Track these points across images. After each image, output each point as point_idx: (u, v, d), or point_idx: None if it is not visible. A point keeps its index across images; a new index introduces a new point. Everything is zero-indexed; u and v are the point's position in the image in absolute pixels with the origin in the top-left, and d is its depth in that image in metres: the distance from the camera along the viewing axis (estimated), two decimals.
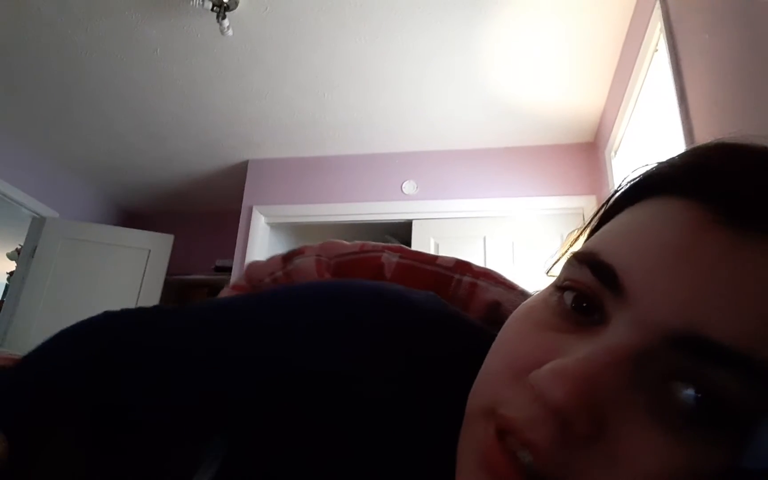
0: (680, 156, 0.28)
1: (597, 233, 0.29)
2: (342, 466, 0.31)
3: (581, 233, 0.34)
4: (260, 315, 0.38)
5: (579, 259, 0.27)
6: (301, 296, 0.39)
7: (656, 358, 0.22)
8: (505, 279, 0.45)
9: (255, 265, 0.53)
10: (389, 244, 0.49)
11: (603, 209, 0.31)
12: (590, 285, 0.26)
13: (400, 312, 0.36)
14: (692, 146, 0.28)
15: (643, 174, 0.29)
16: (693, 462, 0.21)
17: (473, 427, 0.27)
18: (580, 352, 0.24)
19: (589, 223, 0.32)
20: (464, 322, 0.38)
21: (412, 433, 0.33)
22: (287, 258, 0.51)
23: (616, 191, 0.31)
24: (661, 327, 0.22)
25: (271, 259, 0.52)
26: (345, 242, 0.51)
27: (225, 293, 0.53)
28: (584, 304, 0.26)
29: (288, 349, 0.35)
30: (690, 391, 0.21)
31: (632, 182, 0.29)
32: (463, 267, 0.45)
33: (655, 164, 0.29)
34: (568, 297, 0.27)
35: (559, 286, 0.28)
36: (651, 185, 0.28)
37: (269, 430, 0.33)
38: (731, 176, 0.24)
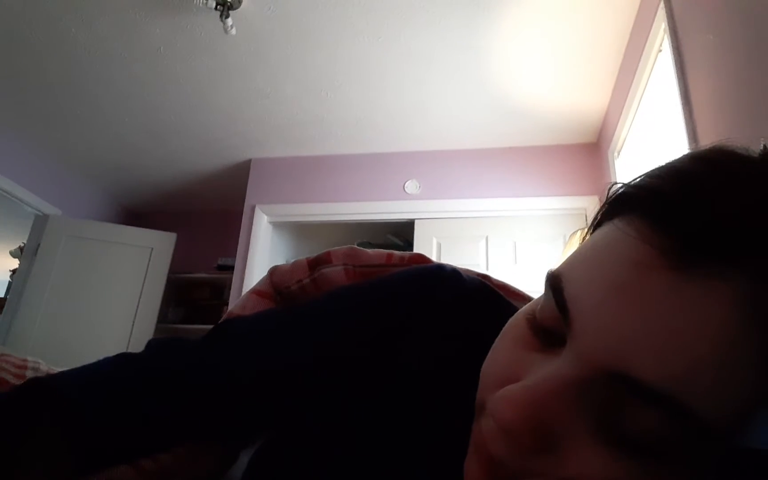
0: (645, 177, 0.29)
1: (574, 251, 0.31)
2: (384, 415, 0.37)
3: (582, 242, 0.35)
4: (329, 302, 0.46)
5: (548, 280, 0.29)
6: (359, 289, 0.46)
7: (596, 389, 0.25)
8: (519, 292, 0.49)
9: (280, 270, 0.55)
10: (414, 254, 0.52)
11: (592, 226, 0.33)
12: (554, 309, 0.28)
13: (452, 288, 0.42)
14: (659, 166, 0.29)
15: (618, 190, 0.30)
16: None
17: (477, 419, 0.31)
18: (532, 377, 0.27)
19: (584, 235, 0.34)
20: (507, 303, 0.44)
21: (448, 396, 0.38)
22: (313, 265, 0.53)
23: (602, 208, 0.32)
24: (597, 364, 0.24)
25: (296, 265, 0.54)
26: (369, 251, 0.53)
27: (248, 298, 0.54)
28: (553, 325, 0.28)
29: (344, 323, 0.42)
30: (628, 419, 0.24)
31: (610, 197, 0.31)
32: (483, 279, 0.49)
33: (628, 182, 0.30)
34: (541, 316, 0.29)
35: (536, 307, 0.30)
36: (621, 204, 0.29)
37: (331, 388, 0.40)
38: (679, 210, 0.25)
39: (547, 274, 0.29)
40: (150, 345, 0.45)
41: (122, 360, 0.43)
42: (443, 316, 0.41)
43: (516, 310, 0.43)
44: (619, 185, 0.30)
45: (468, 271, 0.48)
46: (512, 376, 0.28)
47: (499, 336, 0.33)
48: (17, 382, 0.46)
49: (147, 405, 0.40)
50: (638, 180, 0.29)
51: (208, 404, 0.41)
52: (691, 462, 0.24)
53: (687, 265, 0.23)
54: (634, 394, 0.23)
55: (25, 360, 0.54)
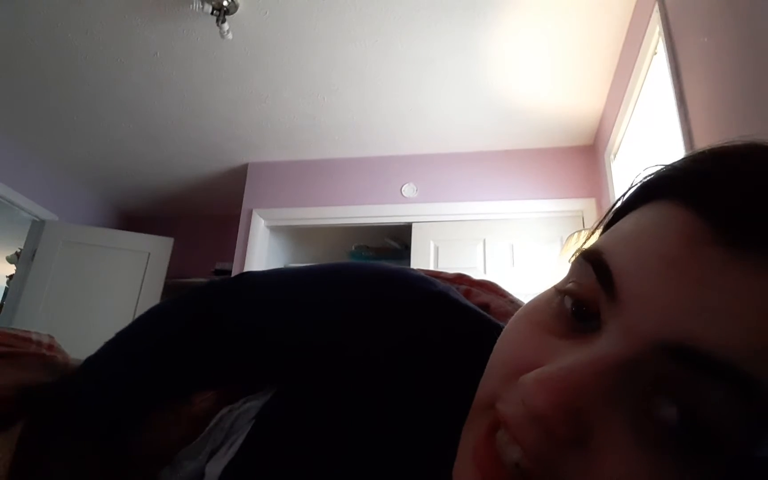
0: (686, 161, 0.28)
1: (607, 231, 0.30)
2: (351, 425, 0.36)
3: (594, 230, 0.34)
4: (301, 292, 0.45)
5: (585, 256, 0.28)
6: (336, 275, 0.45)
7: (644, 369, 0.23)
8: (497, 288, 0.48)
9: None
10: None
11: (617, 204, 0.32)
12: (591, 287, 0.26)
13: (414, 292, 0.41)
14: (700, 150, 0.28)
15: (653, 175, 0.30)
16: None
17: (475, 420, 0.29)
18: (567, 359, 0.24)
19: (604, 218, 0.33)
20: (474, 310, 0.41)
21: (417, 403, 0.36)
22: None
23: (630, 189, 0.31)
24: (651, 336, 0.23)
25: None
26: None
27: None
28: (583, 309, 0.27)
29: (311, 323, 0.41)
30: (673, 406, 0.22)
31: (643, 182, 0.30)
32: (461, 279, 0.49)
33: (665, 165, 0.29)
34: (569, 300, 0.28)
35: (562, 288, 0.29)
36: (659, 187, 0.28)
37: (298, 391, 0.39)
38: (730, 189, 0.25)
39: (582, 252, 0.28)
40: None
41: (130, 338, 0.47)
42: (398, 319, 0.39)
43: (482, 312, 0.42)
44: (652, 170, 0.30)
45: (438, 273, 0.49)
46: (534, 364, 0.26)
47: (510, 325, 0.31)
48: (22, 346, 0.49)
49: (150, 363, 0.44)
50: (679, 164, 0.28)
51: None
52: (732, 459, 0.22)
53: (740, 242, 0.23)
54: (694, 367, 0.21)
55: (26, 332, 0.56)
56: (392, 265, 0.45)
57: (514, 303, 0.47)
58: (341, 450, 0.35)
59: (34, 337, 0.50)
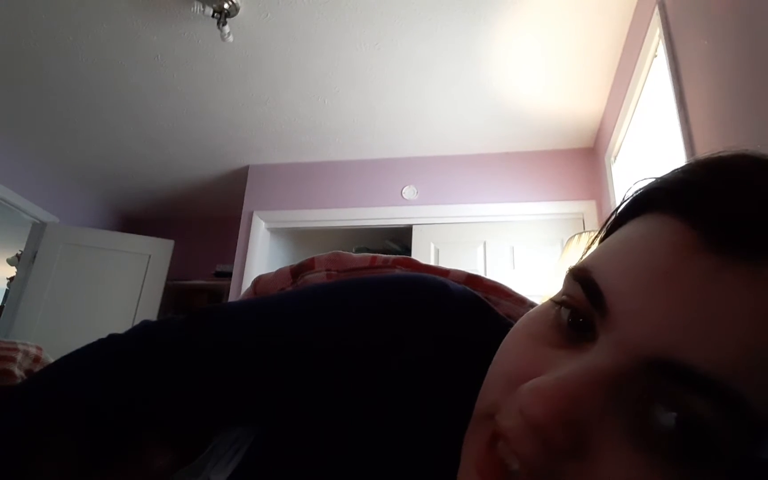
0: (675, 172, 0.29)
1: (597, 247, 0.30)
2: (369, 428, 0.35)
3: (590, 245, 0.34)
4: (309, 302, 0.42)
5: (575, 275, 0.28)
6: (341, 289, 0.42)
7: (635, 381, 0.23)
8: (514, 293, 0.47)
9: (264, 279, 0.54)
10: (399, 257, 0.50)
11: (609, 222, 0.32)
12: (583, 302, 0.27)
13: (437, 297, 0.39)
14: (689, 162, 0.28)
15: (643, 188, 0.30)
16: None
17: (475, 430, 0.29)
18: (563, 370, 0.25)
19: (597, 235, 0.33)
20: (496, 315, 0.41)
21: (436, 406, 0.35)
22: (296, 272, 0.52)
23: (621, 205, 0.31)
24: (640, 350, 0.23)
25: (280, 273, 0.53)
26: (353, 255, 0.51)
27: None
28: (579, 320, 0.27)
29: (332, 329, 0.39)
30: (667, 415, 0.22)
31: (633, 196, 0.30)
32: (474, 281, 0.46)
33: (654, 179, 0.30)
34: (565, 312, 0.28)
35: (558, 300, 0.29)
36: (648, 200, 0.29)
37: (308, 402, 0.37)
38: (718, 200, 0.25)
39: (571, 269, 0.28)
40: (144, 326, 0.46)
41: (114, 348, 0.45)
42: (438, 329, 0.38)
43: (503, 317, 0.41)
44: (643, 184, 0.30)
45: (456, 273, 0.47)
46: (532, 374, 0.26)
47: (508, 337, 0.31)
48: (11, 354, 0.48)
49: (143, 387, 0.42)
50: (668, 176, 0.28)
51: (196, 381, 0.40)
52: (730, 465, 0.22)
53: (729, 251, 0.23)
54: (681, 383, 0.21)
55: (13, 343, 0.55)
56: (412, 273, 0.44)
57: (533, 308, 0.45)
58: (348, 452, 0.35)
59: (20, 347, 0.50)
